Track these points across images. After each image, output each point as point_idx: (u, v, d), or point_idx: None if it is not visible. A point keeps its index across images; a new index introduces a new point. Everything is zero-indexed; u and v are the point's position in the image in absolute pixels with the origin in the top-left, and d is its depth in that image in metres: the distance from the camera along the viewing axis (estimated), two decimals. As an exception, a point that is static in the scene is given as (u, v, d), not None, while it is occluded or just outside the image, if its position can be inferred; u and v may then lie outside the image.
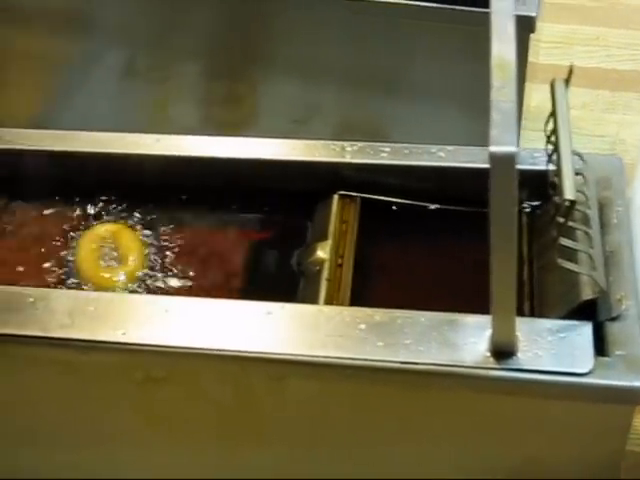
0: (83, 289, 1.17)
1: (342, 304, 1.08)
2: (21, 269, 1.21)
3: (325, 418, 1.05)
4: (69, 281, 1.19)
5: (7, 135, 1.29)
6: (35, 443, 1.14)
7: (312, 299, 1.08)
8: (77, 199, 1.28)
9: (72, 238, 1.24)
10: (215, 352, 1.00)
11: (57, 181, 1.28)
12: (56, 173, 1.28)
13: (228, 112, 1.79)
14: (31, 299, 1.05)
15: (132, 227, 1.24)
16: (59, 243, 1.23)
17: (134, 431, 1.10)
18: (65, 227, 1.25)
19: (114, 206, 1.27)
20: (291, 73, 1.72)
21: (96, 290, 1.17)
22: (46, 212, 1.28)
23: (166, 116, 1.79)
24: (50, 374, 1.06)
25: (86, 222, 1.26)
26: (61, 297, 1.06)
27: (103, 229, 1.23)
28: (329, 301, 1.08)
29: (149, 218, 1.26)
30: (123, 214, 1.26)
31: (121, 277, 1.19)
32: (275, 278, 1.17)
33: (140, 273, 1.19)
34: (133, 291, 1.17)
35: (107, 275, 1.19)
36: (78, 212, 1.27)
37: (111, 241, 1.22)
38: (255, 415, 1.06)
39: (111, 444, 1.12)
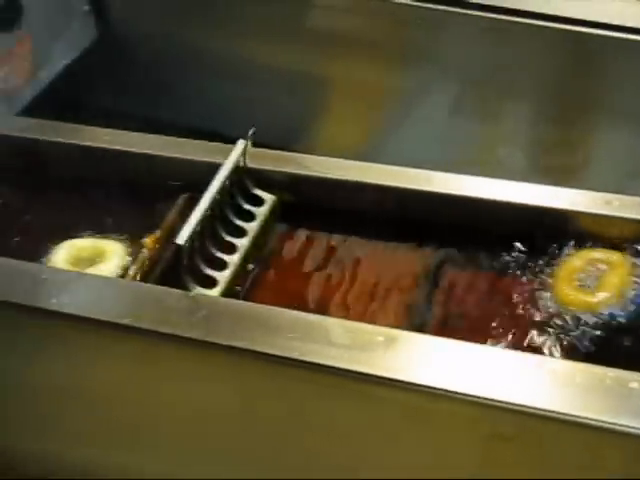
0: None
1: None
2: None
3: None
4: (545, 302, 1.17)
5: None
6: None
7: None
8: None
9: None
10: (570, 418, 0.95)
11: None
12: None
13: (558, 159, 1.74)
14: (381, 338, 1.04)
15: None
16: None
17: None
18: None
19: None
20: (630, 123, 1.65)
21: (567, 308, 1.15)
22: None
23: (493, 157, 1.77)
24: (393, 416, 1.04)
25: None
26: (410, 339, 1.05)
27: (594, 255, 1.20)
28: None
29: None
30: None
31: (593, 301, 1.15)
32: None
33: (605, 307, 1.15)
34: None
35: (578, 295, 1.16)
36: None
37: (597, 266, 1.19)
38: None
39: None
